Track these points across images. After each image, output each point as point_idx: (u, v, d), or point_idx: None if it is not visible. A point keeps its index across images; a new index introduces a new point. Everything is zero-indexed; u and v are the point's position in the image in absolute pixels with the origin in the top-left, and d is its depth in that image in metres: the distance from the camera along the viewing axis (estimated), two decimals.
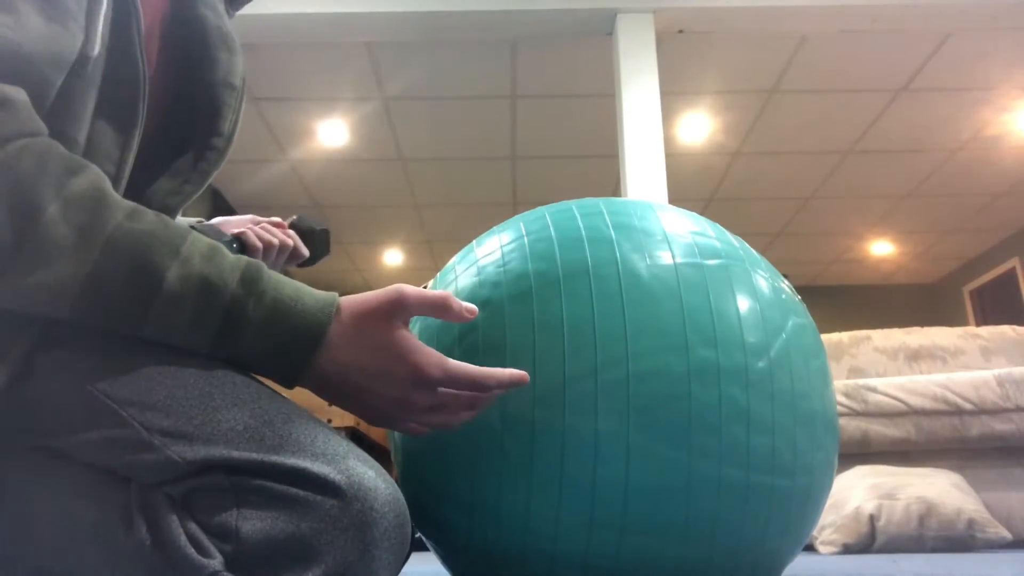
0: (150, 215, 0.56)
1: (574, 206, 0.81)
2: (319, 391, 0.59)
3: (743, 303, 0.72)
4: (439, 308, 0.63)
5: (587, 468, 0.67)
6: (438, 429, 0.64)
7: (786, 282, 0.81)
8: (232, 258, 0.58)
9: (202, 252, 0.56)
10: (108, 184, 0.56)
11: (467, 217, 5.17)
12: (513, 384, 0.62)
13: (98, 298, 0.53)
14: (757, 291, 0.74)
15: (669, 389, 0.67)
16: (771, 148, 4.38)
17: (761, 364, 0.70)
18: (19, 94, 0.53)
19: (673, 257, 0.73)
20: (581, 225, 0.77)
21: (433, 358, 0.60)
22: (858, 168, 4.62)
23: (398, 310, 0.60)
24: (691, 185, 4.78)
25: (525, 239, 0.78)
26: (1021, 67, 3.64)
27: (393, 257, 6.05)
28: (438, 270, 0.87)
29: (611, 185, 4.71)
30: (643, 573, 0.68)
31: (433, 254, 5.93)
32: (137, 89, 0.64)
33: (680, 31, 3.24)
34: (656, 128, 2.98)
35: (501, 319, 0.72)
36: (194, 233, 0.58)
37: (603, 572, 0.69)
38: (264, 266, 0.59)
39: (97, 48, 0.59)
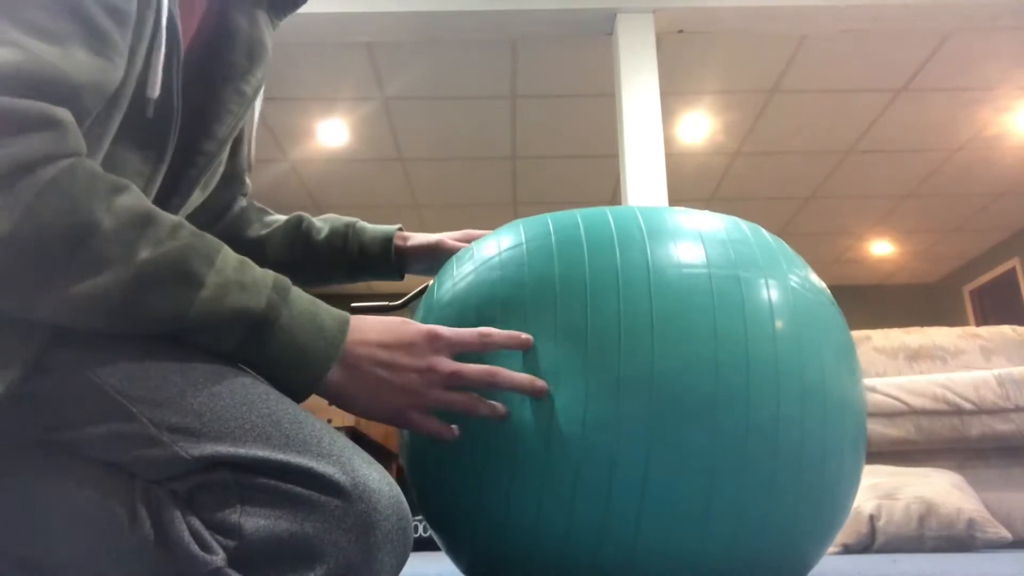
0: (186, 229, 0.58)
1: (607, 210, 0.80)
2: (348, 386, 0.62)
3: (775, 296, 0.71)
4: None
5: (604, 464, 0.65)
6: (463, 412, 0.67)
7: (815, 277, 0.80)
8: (260, 270, 0.61)
9: (233, 266, 0.59)
10: (148, 201, 0.58)
11: (467, 217, 5.17)
12: (514, 345, 0.68)
13: (136, 310, 0.55)
14: (789, 286, 0.73)
15: (694, 382, 0.66)
16: (771, 148, 4.38)
17: (792, 358, 0.69)
18: (66, 115, 0.54)
19: (706, 254, 0.72)
20: (611, 218, 0.76)
21: (443, 325, 0.68)
22: (858, 168, 4.62)
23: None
24: (691, 185, 4.78)
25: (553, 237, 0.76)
26: (1021, 67, 3.64)
27: None
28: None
29: (611, 185, 4.72)
30: (659, 571, 0.67)
31: None
32: (169, 126, 0.66)
33: (680, 31, 3.24)
34: (656, 128, 2.98)
35: (523, 322, 0.71)
36: (225, 246, 0.61)
37: (616, 570, 0.68)
38: (288, 280, 0.62)
39: (158, 90, 0.61)
